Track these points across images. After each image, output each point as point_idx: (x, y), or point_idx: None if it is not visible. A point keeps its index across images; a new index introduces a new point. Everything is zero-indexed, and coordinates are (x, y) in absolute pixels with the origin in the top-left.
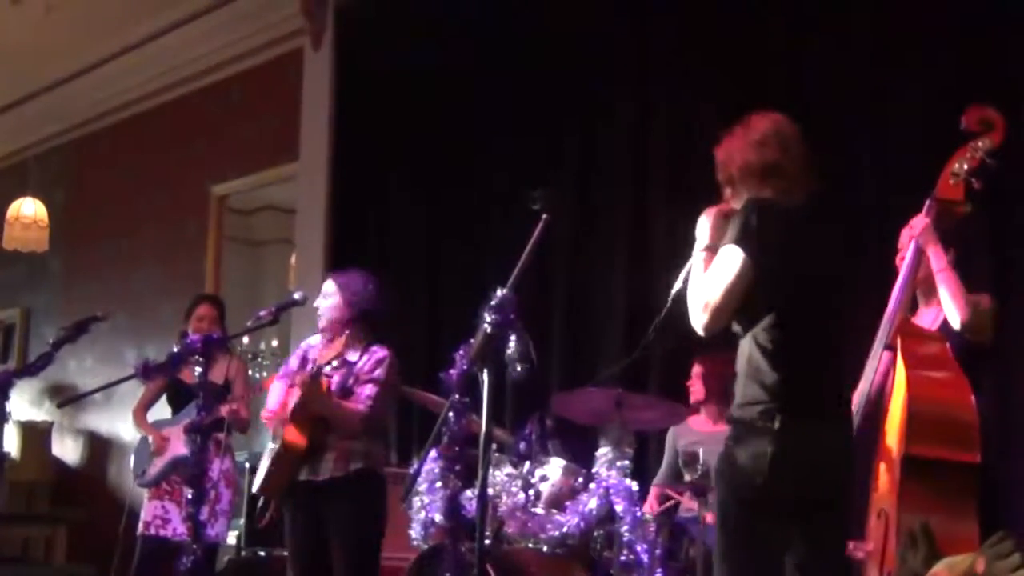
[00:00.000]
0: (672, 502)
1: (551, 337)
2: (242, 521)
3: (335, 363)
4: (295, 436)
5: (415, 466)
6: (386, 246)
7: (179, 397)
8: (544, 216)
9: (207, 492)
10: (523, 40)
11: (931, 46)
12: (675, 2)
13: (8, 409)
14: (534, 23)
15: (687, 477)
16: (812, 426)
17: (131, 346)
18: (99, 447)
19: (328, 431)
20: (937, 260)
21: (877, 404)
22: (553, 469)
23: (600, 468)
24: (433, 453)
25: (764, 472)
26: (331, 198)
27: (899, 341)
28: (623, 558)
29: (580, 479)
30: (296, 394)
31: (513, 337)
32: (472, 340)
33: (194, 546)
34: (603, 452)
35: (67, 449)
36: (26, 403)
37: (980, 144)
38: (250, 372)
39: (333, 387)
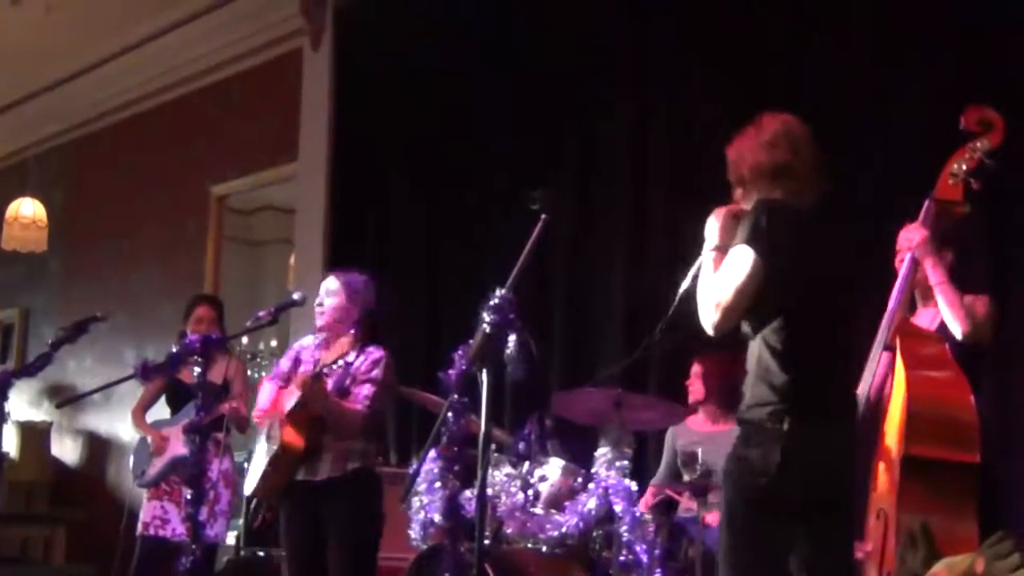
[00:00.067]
0: (662, 496)
1: (551, 337)
2: (241, 521)
3: (335, 364)
4: (293, 437)
5: (414, 466)
6: (385, 246)
7: (178, 397)
8: (543, 216)
9: (206, 492)
10: (523, 40)
11: (931, 46)
12: (675, 2)
13: (7, 409)
14: (534, 23)
15: (686, 477)
16: (821, 427)
17: (130, 346)
18: (98, 447)
19: (325, 432)
20: (934, 273)
21: (876, 404)
22: (552, 469)
23: (599, 468)
24: (432, 453)
25: (772, 473)
26: (330, 198)
27: (898, 341)
28: (622, 558)
29: (579, 479)
30: (292, 394)
31: (513, 337)
32: (471, 340)
33: (193, 546)
34: (602, 452)
35: (66, 449)
36: (25, 403)
37: (979, 144)
38: (249, 372)
39: (330, 387)
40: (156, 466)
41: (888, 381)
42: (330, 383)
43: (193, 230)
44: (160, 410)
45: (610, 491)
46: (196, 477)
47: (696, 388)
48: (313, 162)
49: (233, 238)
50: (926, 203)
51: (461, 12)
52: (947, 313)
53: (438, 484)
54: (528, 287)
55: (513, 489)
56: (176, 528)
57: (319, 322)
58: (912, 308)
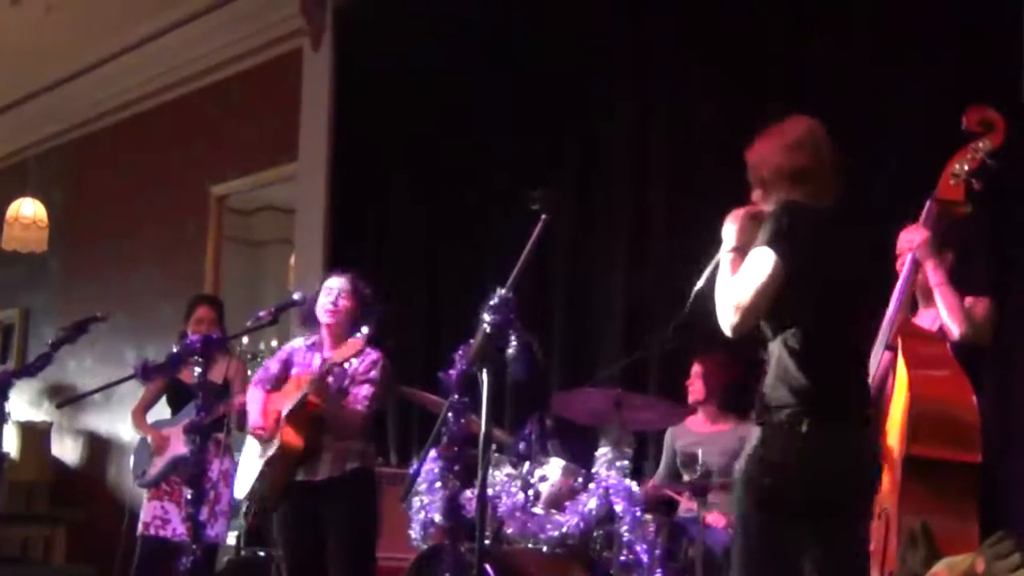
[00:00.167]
0: (661, 494)
1: (551, 337)
2: (241, 521)
3: (345, 364)
4: (293, 437)
5: (415, 466)
6: (385, 246)
7: (178, 397)
8: (543, 216)
9: (207, 492)
10: (523, 40)
11: (931, 46)
12: (675, 2)
13: (7, 409)
14: (534, 23)
15: (686, 477)
16: (839, 430)
17: (131, 346)
18: (98, 447)
19: (324, 432)
20: (934, 274)
21: (878, 405)
22: (552, 469)
23: (599, 468)
24: (432, 453)
25: (790, 475)
26: (330, 198)
27: (900, 342)
28: (622, 558)
29: (579, 479)
30: (286, 396)
31: (514, 337)
32: (471, 340)
33: (194, 546)
34: (602, 452)
35: (66, 449)
36: (25, 403)
37: (980, 145)
38: (249, 372)
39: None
40: (156, 466)
41: (889, 381)
42: (330, 383)
43: (193, 230)
44: (161, 410)
45: (610, 491)
46: (196, 477)
47: (696, 388)
48: (313, 162)
49: (233, 238)
50: (927, 203)
51: (461, 12)
52: (945, 315)
53: (438, 484)
54: (528, 287)
55: (513, 489)
56: (176, 528)
57: (328, 320)
58: (913, 309)
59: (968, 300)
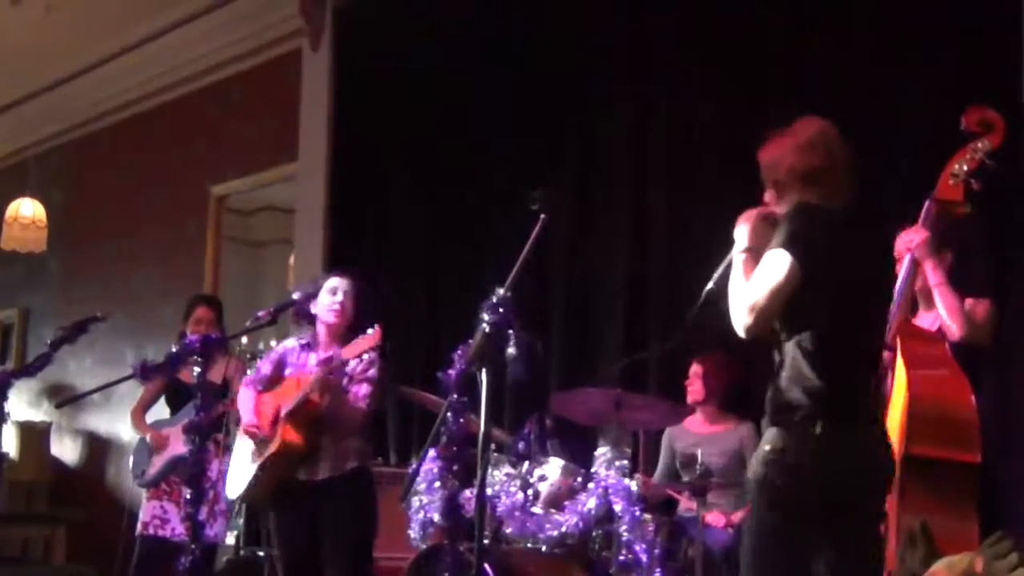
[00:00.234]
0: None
1: (551, 337)
2: (241, 521)
3: (353, 361)
4: (294, 436)
5: (414, 466)
6: (385, 246)
7: (178, 397)
8: (543, 216)
9: (206, 492)
10: (523, 40)
11: (931, 46)
12: (675, 2)
13: (7, 409)
14: (534, 23)
15: (685, 478)
16: (853, 431)
17: (130, 346)
18: (98, 447)
19: (324, 431)
20: (934, 275)
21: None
22: (552, 469)
23: (599, 468)
24: (432, 453)
25: (804, 476)
26: (330, 198)
27: (899, 342)
28: (622, 558)
29: (579, 479)
30: (280, 396)
31: (514, 337)
32: (471, 340)
33: (193, 546)
34: (602, 452)
35: (66, 449)
36: (25, 403)
37: (980, 145)
38: (248, 372)
39: None
40: (156, 466)
41: (888, 381)
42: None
43: (193, 230)
44: (160, 410)
45: (610, 491)
46: (196, 477)
47: (696, 388)
48: (313, 162)
49: (233, 238)
50: (926, 204)
51: (461, 12)
52: (945, 314)
53: (438, 484)
54: (528, 287)
55: (513, 489)
56: (176, 528)
57: (333, 320)
58: (914, 309)
59: (968, 302)
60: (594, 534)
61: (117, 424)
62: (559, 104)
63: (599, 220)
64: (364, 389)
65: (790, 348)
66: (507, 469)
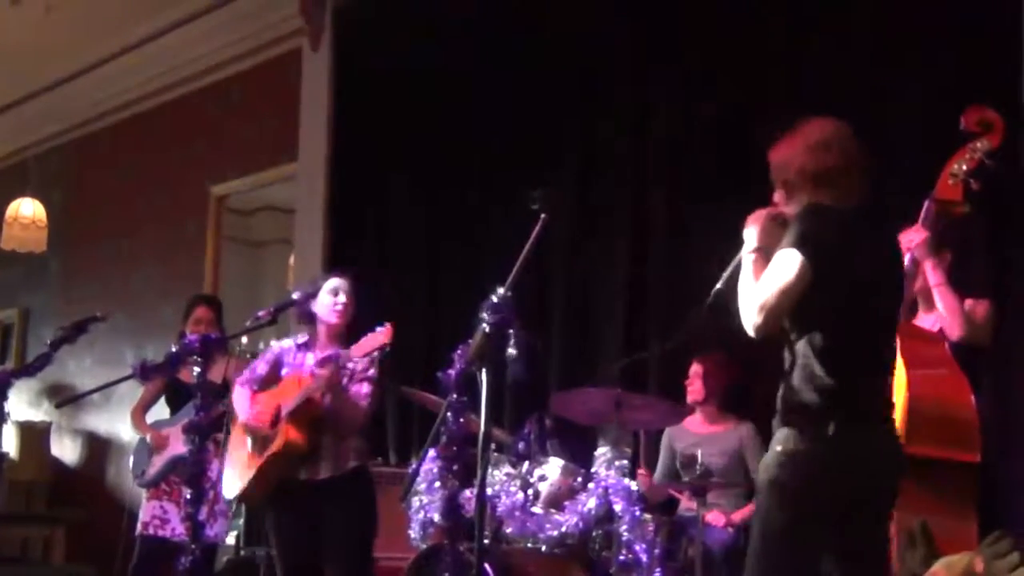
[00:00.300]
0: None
1: (551, 337)
2: (241, 521)
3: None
4: (296, 435)
5: (414, 466)
6: (385, 246)
7: (177, 397)
8: (542, 216)
9: (206, 492)
10: (523, 40)
11: (931, 46)
12: (675, 2)
13: (6, 409)
14: (534, 23)
15: (685, 478)
16: (865, 431)
17: (130, 346)
18: (98, 447)
19: (325, 431)
20: (933, 275)
21: None
22: (552, 469)
23: (599, 468)
24: (432, 453)
25: (816, 476)
26: (330, 198)
27: (899, 342)
28: (622, 558)
29: (579, 479)
30: (284, 393)
31: (513, 336)
32: (471, 340)
33: (193, 546)
34: (602, 452)
35: (65, 449)
36: (24, 403)
37: (979, 145)
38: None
39: None
40: (156, 466)
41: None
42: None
43: (193, 230)
44: (160, 410)
45: (610, 491)
46: (196, 477)
47: (695, 388)
48: (313, 162)
49: (233, 238)
50: (926, 204)
51: (461, 12)
52: (944, 314)
53: (437, 484)
54: (528, 287)
55: (513, 489)
56: (176, 528)
57: (335, 320)
58: (913, 311)
59: (968, 303)
60: (594, 534)
61: (117, 424)
62: (559, 104)
63: (599, 220)
64: (365, 388)
65: (801, 348)
66: (507, 469)
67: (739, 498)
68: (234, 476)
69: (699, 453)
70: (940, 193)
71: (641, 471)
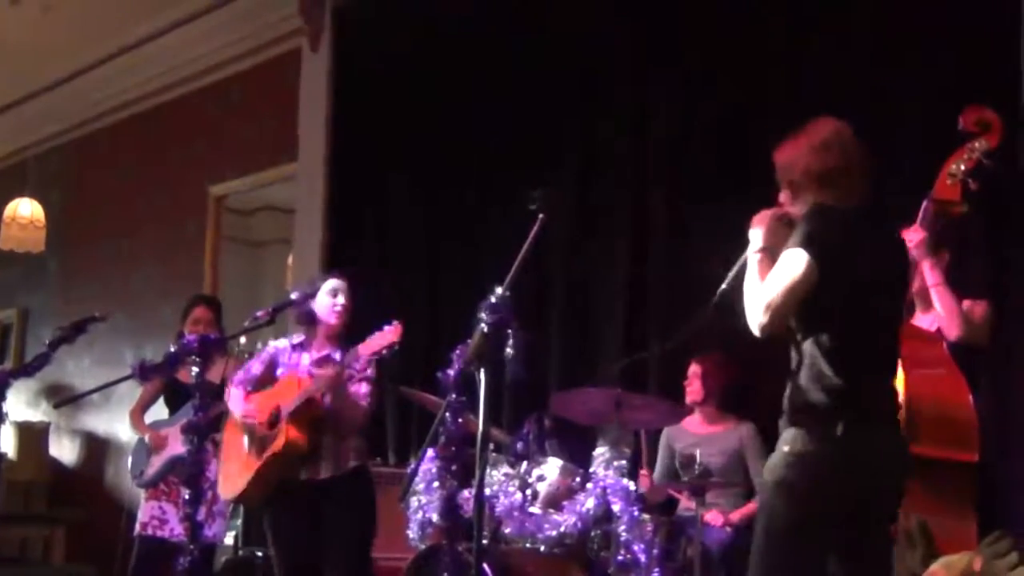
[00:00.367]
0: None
1: (551, 337)
2: (239, 521)
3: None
4: (297, 435)
5: (412, 466)
6: (385, 246)
7: (176, 397)
8: (542, 216)
9: (204, 492)
10: (523, 40)
11: (931, 46)
12: (675, 2)
13: (5, 409)
14: (534, 23)
15: (684, 478)
16: (872, 431)
17: (129, 346)
18: (97, 447)
19: (325, 431)
20: (931, 275)
21: None
22: (550, 469)
23: (597, 468)
24: (430, 453)
25: (824, 476)
26: (329, 198)
27: None
28: (620, 558)
29: (577, 479)
30: (283, 393)
31: (511, 336)
32: (470, 340)
33: (191, 546)
34: (600, 452)
35: (64, 449)
36: (23, 403)
37: (977, 145)
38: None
39: None
40: (154, 466)
41: None
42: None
43: (192, 230)
44: (158, 410)
45: (608, 491)
46: (194, 477)
47: (695, 388)
48: (312, 162)
49: (232, 238)
50: (924, 204)
51: (461, 12)
52: (942, 315)
53: (436, 484)
54: (527, 287)
55: (511, 489)
56: (174, 528)
57: (335, 321)
58: (911, 311)
59: (966, 303)
60: (593, 534)
61: (116, 424)
62: (559, 104)
63: (599, 220)
64: (364, 388)
65: (808, 348)
66: (506, 469)
67: (738, 498)
68: (231, 477)
69: (698, 453)
70: (938, 193)
71: (643, 471)
